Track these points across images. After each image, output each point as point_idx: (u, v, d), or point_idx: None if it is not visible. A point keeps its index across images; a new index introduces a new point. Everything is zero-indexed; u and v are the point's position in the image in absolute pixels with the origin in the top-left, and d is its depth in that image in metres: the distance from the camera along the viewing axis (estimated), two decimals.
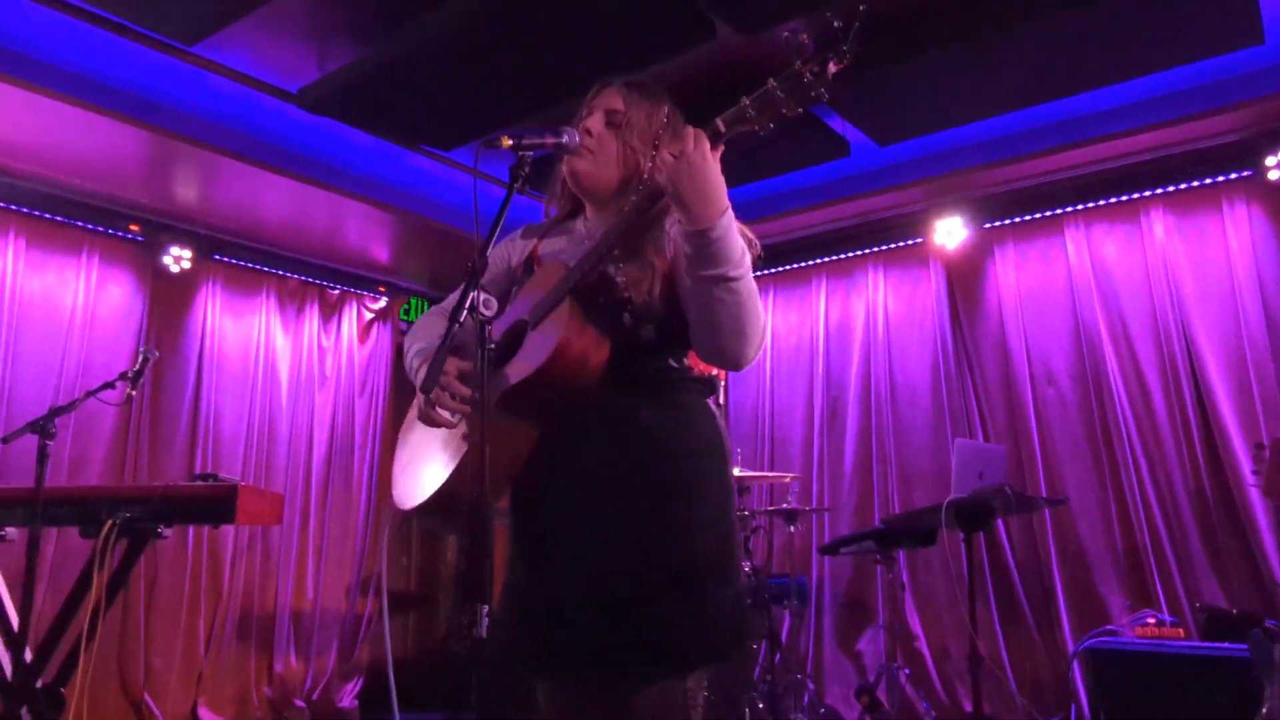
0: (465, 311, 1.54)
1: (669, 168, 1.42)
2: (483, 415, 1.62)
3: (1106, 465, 4.36)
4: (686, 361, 1.65)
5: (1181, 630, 3.57)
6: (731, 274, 1.44)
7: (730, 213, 1.45)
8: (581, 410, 1.57)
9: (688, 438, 1.60)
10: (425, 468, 1.64)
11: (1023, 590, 4.50)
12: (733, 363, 1.53)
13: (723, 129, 1.43)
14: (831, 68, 1.34)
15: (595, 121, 1.71)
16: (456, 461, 1.57)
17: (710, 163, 1.41)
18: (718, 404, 1.80)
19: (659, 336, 1.59)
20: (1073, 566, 4.39)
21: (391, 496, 1.72)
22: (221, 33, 3.41)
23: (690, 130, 1.45)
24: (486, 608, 1.57)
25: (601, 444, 1.58)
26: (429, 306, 6.41)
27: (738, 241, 1.46)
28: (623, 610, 1.50)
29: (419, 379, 1.71)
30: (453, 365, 1.57)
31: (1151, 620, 3.63)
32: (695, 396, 1.65)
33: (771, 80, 1.38)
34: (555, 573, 1.59)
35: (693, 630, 1.50)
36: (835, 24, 1.32)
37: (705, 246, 1.43)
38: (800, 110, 1.38)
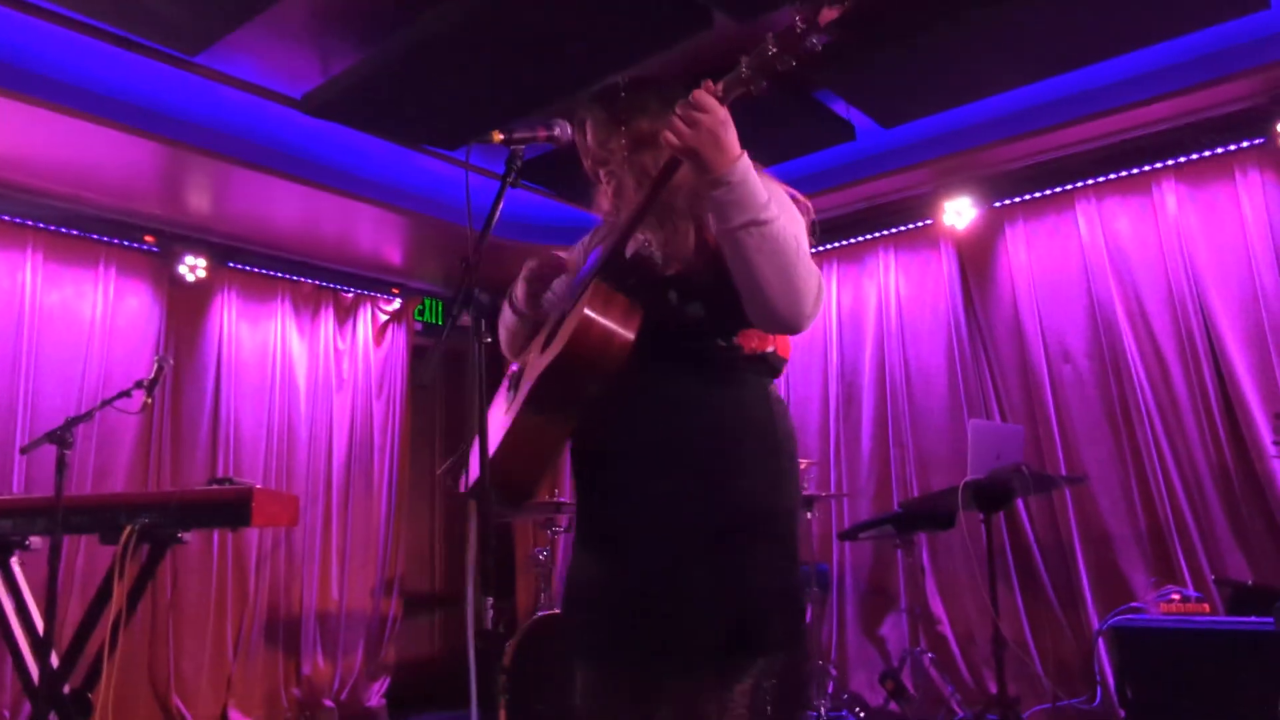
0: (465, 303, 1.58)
1: (675, 128, 1.41)
2: (479, 406, 1.64)
3: (1126, 442, 4.32)
4: (736, 340, 1.60)
5: (1207, 605, 3.53)
6: (761, 217, 1.41)
7: (746, 158, 1.43)
8: (624, 393, 1.56)
9: (729, 418, 1.58)
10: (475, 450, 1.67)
11: (1045, 570, 4.47)
12: (790, 323, 1.48)
13: (721, 91, 1.42)
14: (826, 14, 1.32)
15: (600, 161, 1.70)
16: (498, 443, 1.61)
17: (716, 110, 1.39)
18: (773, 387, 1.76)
19: (708, 313, 1.57)
20: (1095, 545, 4.35)
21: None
22: (223, 42, 3.43)
23: (697, 90, 1.42)
24: (491, 599, 1.59)
25: (645, 426, 1.59)
26: (443, 306, 6.47)
27: (760, 187, 1.44)
28: (654, 586, 1.52)
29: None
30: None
31: (1176, 596, 3.59)
32: (748, 375, 1.62)
33: (769, 35, 1.37)
34: (594, 559, 1.63)
35: (730, 601, 1.49)
36: None
37: (728, 194, 1.41)
38: (792, 63, 1.36)
